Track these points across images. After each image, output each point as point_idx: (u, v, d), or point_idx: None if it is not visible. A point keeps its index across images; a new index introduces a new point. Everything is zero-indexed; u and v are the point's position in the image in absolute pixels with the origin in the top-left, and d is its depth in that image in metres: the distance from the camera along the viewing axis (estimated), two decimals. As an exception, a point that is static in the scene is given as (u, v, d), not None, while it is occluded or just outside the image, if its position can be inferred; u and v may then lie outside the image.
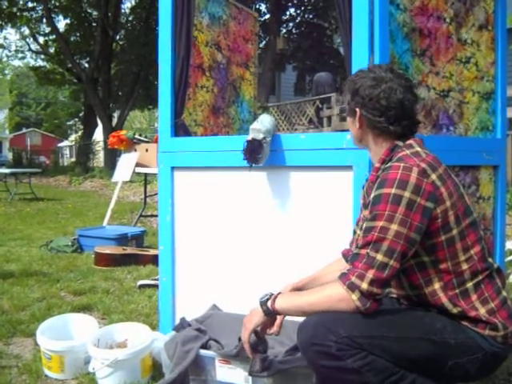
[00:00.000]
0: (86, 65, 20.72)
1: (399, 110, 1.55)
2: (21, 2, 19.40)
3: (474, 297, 1.50)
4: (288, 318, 1.64)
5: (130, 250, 4.51)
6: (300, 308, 1.52)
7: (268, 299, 1.58)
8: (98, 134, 22.30)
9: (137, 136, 6.00)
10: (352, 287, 1.41)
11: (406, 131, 1.59)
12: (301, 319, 1.53)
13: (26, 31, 21.78)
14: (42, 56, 22.93)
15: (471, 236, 1.52)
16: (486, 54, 2.48)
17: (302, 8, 19.28)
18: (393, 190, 1.44)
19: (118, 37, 20.42)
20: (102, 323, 2.81)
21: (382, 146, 1.60)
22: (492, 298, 1.51)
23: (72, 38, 20.85)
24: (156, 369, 2.20)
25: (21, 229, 6.45)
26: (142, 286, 3.59)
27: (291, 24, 19.72)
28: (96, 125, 22.21)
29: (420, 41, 2.16)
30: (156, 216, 5.71)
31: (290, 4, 18.85)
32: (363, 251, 1.44)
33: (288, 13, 19.28)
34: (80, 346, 2.21)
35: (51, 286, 3.65)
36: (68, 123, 40.40)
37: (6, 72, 37.03)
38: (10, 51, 25.44)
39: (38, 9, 19.89)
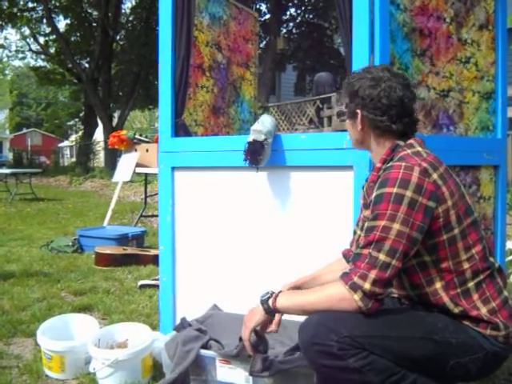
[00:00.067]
0: (87, 65, 20.73)
1: (400, 107, 1.56)
2: (21, 3, 19.41)
3: (475, 296, 1.50)
4: (288, 317, 1.64)
5: (130, 250, 4.52)
6: (301, 307, 1.52)
7: (269, 298, 1.58)
8: (99, 134, 22.30)
9: (137, 136, 5.99)
10: (354, 287, 1.41)
11: (408, 129, 1.60)
12: (301, 319, 1.53)
13: (27, 31, 21.81)
14: (43, 56, 22.94)
15: (472, 235, 1.52)
16: (487, 53, 2.48)
17: (303, 8, 19.27)
18: (394, 190, 1.44)
19: (118, 37, 20.42)
20: (103, 323, 2.81)
21: (385, 146, 1.60)
22: (493, 298, 1.51)
23: (72, 38, 20.86)
24: (156, 369, 2.20)
25: (21, 229, 6.45)
26: (142, 286, 3.59)
27: (291, 24, 19.71)
28: (96, 125, 22.22)
29: (420, 41, 2.16)
30: (156, 216, 5.71)
31: (290, 4, 18.84)
32: (365, 251, 1.44)
33: (288, 13, 19.27)
34: (80, 346, 2.21)
35: (52, 286, 3.65)
36: (68, 123, 40.39)
37: (7, 72, 37.07)
38: (10, 51, 25.49)
39: (38, 9, 19.89)
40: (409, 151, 1.54)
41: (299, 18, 19.49)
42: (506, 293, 1.55)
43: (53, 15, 19.48)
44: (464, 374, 1.50)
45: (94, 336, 2.22)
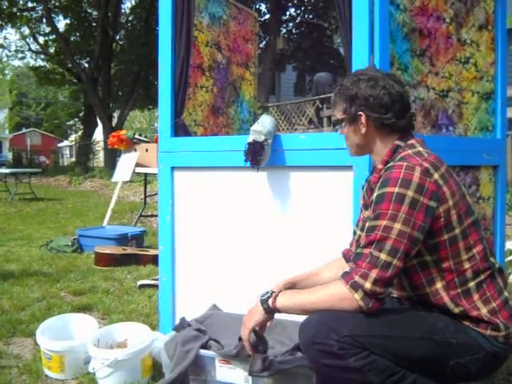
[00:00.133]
0: (86, 65, 20.72)
1: (402, 103, 1.58)
2: (21, 2, 19.39)
3: (475, 296, 1.50)
4: (288, 317, 1.64)
5: (130, 250, 4.51)
6: (301, 306, 1.52)
7: (269, 297, 1.58)
8: (98, 134, 22.30)
9: (137, 136, 5.99)
10: (355, 286, 1.41)
11: (411, 123, 1.62)
12: (301, 319, 1.54)
13: (26, 31, 21.79)
14: (42, 56, 22.92)
15: (473, 235, 1.52)
16: (486, 54, 2.48)
17: (302, 8, 19.26)
18: (396, 189, 1.44)
19: (118, 37, 20.41)
20: (102, 323, 2.81)
21: (387, 146, 1.60)
22: (494, 298, 1.51)
23: (72, 38, 20.84)
24: (156, 369, 2.20)
25: (21, 229, 6.45)
26: (142, 286, 3.59)
27: (291, 24, 19.71)
28: (96, 125, 22.20)
29: (420, 41, 2.17)
30: (156, 216, 5.71)
31: (290, 4, 18.84)
32: (366, 250, 1.44)
33: (288, 13, 19.27)
34: (80, 346, 2.21)
35: (51, 285, 3.65)
36: (68, 123, 40.37)
37: (6, 72, 37.03)
38: (9, 51, 25.43)
39: (37, 9, 19.88)
40: (410, 151, 1.54)
41: (299, 18, 19.49)
42: (506, 293, 1.55)
43: (52, 15, 19.46)
44: (464, 375, 1.50)
45: (93, 336, 2.22)
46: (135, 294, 3.45)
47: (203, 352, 1.92)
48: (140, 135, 6.30)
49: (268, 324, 1.66)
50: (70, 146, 33.67)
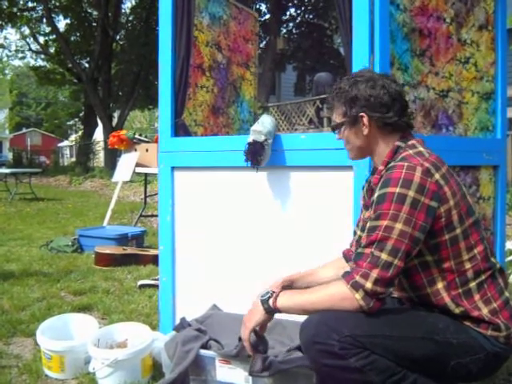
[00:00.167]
0: (86, 65, 20.72)
1: (401, 101, 1.59)
2: (21, 2, 19.39)
3: (476, 297, 1.50)
4: (288, 317, 1.64)
5: (130, 250, 4.51)
6: (302, 306, 1.52)
7: (269, 297, 1.58)
8: (98, 134, 22.30)
9: (137, 136, 5.99)
10: (356, 286, 1.42)
11: (411, 120, 1.64)
12: (301, 319, 1.54)
13: (27, 31, 21.78)
14: (42, 56, 22.92)
15: (474, 235, 1.52)
16: (486, 54, 2.48)
17: (303, 8, 19.26)
18: (397, 189, 1.44)
19: (118, 37, 20.41)
20: (102, 323, 2.81)
21: (389, 146, 1.60)
22: (495, 298, 1.51)
23: (72, 38, 20.84)
24: (156, 369, 2.20)
25: (21, 229, 6.45)
26: (142, 286, 3.59)
27: (291, 24, 19.71)
28: (96, 125, 22.21)
29: (420, 41, 2.17)
30: (156, 216, 5.70)
31: (290, 4, 18.83)
32: (367, 250, 1.45)
33: (288, 13, 19.26)
34: (80, 345, 2.21)
35: (51, 285, 3.65)
36: (68, 123, 40.39)
37: (6, 72, 37.00)
38: (10, 51, 25.43)
39: (38, 9, 19.88)
40: (411, 152, 1.54)
41: (299, 18, 19.48)
42: (507, 293, 1.55)
43: (53, 15, 19.47)
44: (465, 375, 1.50)
45: (93, 336, 2.22)
46: (135, 294, 3.45)
47: (203, 352, 1.92)
48: (140, 135, 6.30)
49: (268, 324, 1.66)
50: (71, 146, 33.68)
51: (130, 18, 21.16)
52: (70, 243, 4.94)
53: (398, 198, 1.43)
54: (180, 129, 2.51)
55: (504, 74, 2.54)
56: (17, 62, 43.71)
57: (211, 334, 2.00)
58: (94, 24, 19.84)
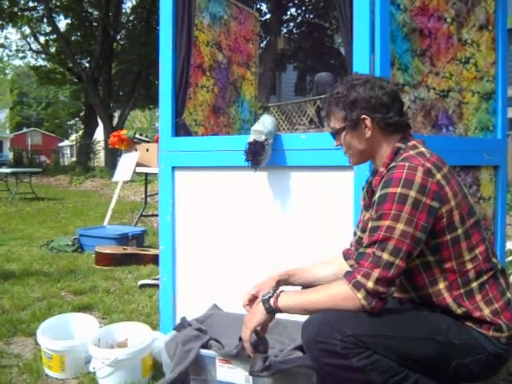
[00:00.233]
0: (87, 64, 20.73)
1: (399, 100, 1.60)
2: (22, 2, 19.41)
3: (478, 297, 1.50)
4: (289, 317, 1.64)
5: (130, 250, 4.52)
6: (303, 306, 1.52)
7: (270, 297, 1.58)
8: (99, 134, 22.31)
9: (137, 136, 5.98)
10: (357, 286, 1.42)
11: (408, 119, 1.65)
12: (302, 319, 1.54)
13: (27, 31, 21.79)
14: (43, 55, 22.93)
15: (475, 236, 1.52)
16: (487, 54, 2.48)
17: (303, 8, 19.27)
18: (398, 190, 1.44)
19: (118, 36, 20.42)
20: (103, 323, 2.81)
21: (391, 146, 1.60)
22: (496, 299, 1.51)
23: (73, 38, 20.86)
24: (156, 368, 2.20)
25: (21, 228, 6.45)
26: (142, 286, 3.59)
27: (292, 24, 19.72)
28: (97, 124, 22.22)
29: (420, 41, 2.17)
30: (156, 216, 5.71)
31: (290, 4, 18.85)
32: (369, 250, 1.45)
33: (289, 13, 19.28)
34: (80, 345, 2.21)
35: (52, 285, 3.65)
36: (69, 123, 40.41)
37: (7, 71, 37.05)
38: (10, 51, 25.49)
39: (38, 8, 19.90)
40: (412, 152, 1.54)
41: (300, 18, 19.50)
42: (509, 294, 1.55)
43: (53, 15, 19.48)
44: (466, 375, 1.50)
45: (93, 335, 2.22)
46: (136, 294, 3.45)
47: (204, 352, 1.92)
48: (141, 135, 6.29)
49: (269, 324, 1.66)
50: (71, 146, 33.71)
51: (131, 18, 21.18)
52: (70, 243, 4.95)
53: (399, 198, 1.43)
54: (180, 128, 2.51)
55: (504, 74, 2.54)
56: (17, 62, 43.72)
57: (211, 334, 2.00)
58: (95, 24, 19.85)
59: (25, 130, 43.24)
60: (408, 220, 1.42)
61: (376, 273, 1.41)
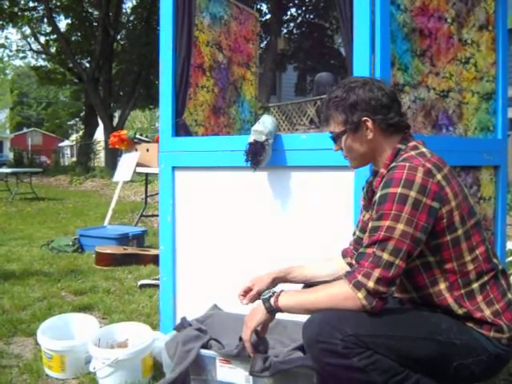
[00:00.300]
0: (87, 64, 20.73)
1: (397, 101, 1.60)
2: (22, 2, 19.41)
3: (479, 298, 1.50)
4: (289, 317, 1.64)
5: (130, 250, 4.52)
6: (303, 306, 1.52)
7: (271, 297, 1.58)
8: (99, 134, 22.31)
9: (138, 136, 5.98)
10: (358, 286, 1.42)
11: (408, 119, 1.67)
12: (302, 319, 1.54)
13: (27, 31, 21.81)
14: (43, 56, 22.95)
15: (476, 236, 1.52)
16: (487, 54, 2.48)
17: (303, 8, 19.28)
18: (399, 190, 1.44)
19: (119, 36, 20.43)
20: (103, 323, 2.81)
21: (391, 148, 1.60)
22: (497, 300, 1.51)
23: (73, 38, 20.86)
24: (157, 368, 2.20)
25: (22, 228, 6.45)
26: (142, 286, 3.59)
27: (292, 24, 19.72)
28: (97, 124, 22.22)
29: (420, 41, 2.17)
30: (157, 216, 5.71)
31: (291, 4, 18.85)
32: (369, 250, 1.45)
33: (289, 13, 19.28)
34: (81, 345, 2.21)
35: (52, 285, 3.65)
36: (69, 123, 40.43)
37: (7, 72, 36.99)
38: (11, 51, 25.50)
39: (39, 8, 19.91)
40: (412, 153, 1.54)
41: (300, 18, 19.50)
42: (509, 295, 1.55)
43: (54, 15, 19.48)
44: (467, 376, 1.50)
45: (94, 335, 2.22)
46: (136, 294, 3.45)
47: (204, 352, 1.92)
48: (141, 135, 6.29)
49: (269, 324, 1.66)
50: (71, 146, 33.71)
51: (131, 18, 21.19)
52: (70, 243, 4.95)
53: (399, 198, 1.43)
54: (181, 129, 2.51)
55: (504, 75, 2.54)
56: (18, 62, 43.69)
57: (212, 334, 2.00)
58: (95, 24, 19.86)
59: (25, 130, 43.25)
60: (408, 220, 1.42)
61: (376, 273, 1.41)
